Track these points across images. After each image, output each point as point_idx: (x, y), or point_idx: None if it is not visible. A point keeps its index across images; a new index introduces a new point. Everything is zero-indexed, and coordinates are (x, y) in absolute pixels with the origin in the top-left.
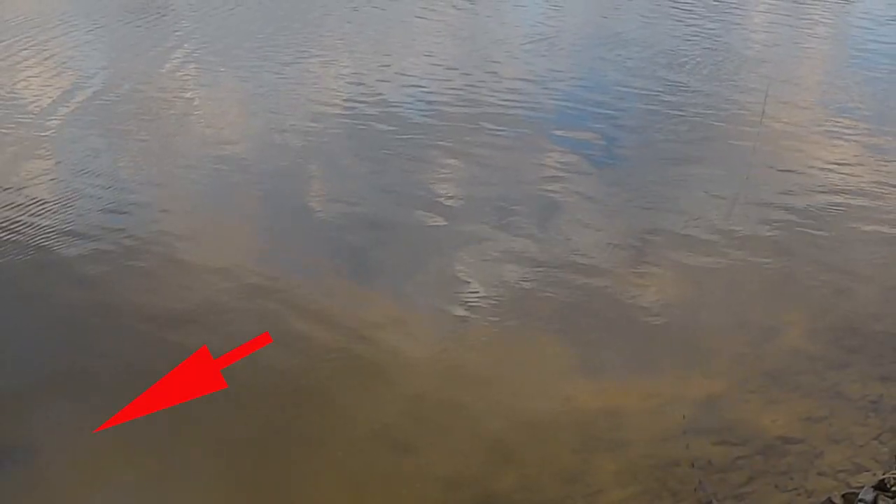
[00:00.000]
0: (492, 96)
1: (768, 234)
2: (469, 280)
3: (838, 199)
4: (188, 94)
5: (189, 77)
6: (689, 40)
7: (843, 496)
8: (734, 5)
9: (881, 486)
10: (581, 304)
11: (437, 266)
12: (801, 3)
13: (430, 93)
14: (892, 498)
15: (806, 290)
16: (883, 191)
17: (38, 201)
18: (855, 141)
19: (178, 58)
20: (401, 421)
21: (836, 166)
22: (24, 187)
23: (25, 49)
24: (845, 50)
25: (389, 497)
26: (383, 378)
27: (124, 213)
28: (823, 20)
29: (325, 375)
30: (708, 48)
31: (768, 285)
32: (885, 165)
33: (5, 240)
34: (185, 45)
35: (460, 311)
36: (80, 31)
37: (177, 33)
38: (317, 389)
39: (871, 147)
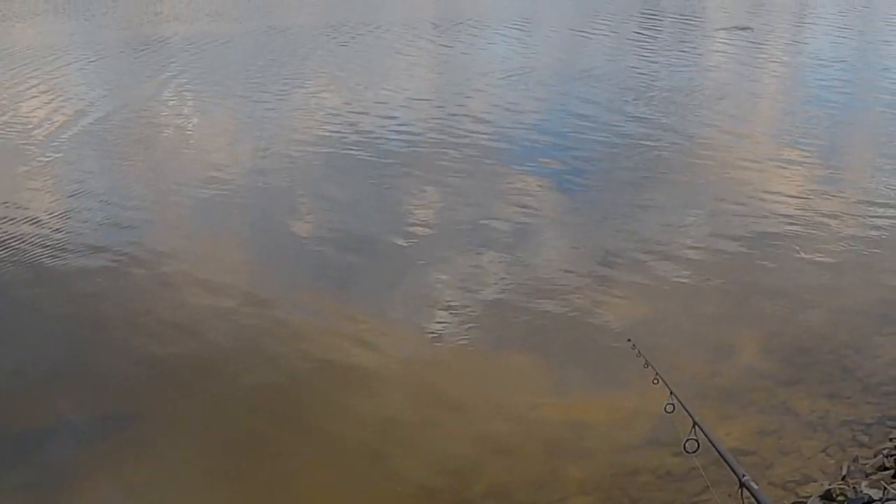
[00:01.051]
0: (465, 127)
1: (722, 259)
2: (442, 299)
3: (787, 227)
4: (182, 122)
5: (183, 106)
6: (651, 77)
7: None
8: (693, 45)
9: (827, 496)
10: (546, 323)
11: (412, 285)
12: (755, 44)
13: (408, 123)
14: None
15: (758, 312)
16: (827, 220)
17: (39, 218)
18: (803, 173)
19: (174, 88)
20: (378, 431)
21: (785, 197)
22: (27, 206)
23: (32, 77)
24: (795, 88)
25: (368, 501)
26: (362, 389)
27: (119, 231)
28: (775, 60)
29: (306, 387)
30: (668, 84)
31: (723, 307)
32: (830, 197)
33: (7, 252)
34: (181, 77)
35: (434, 328)
36: (83, 61)
37: (173, 65)
38: (297, 400)
39: (817, 179)
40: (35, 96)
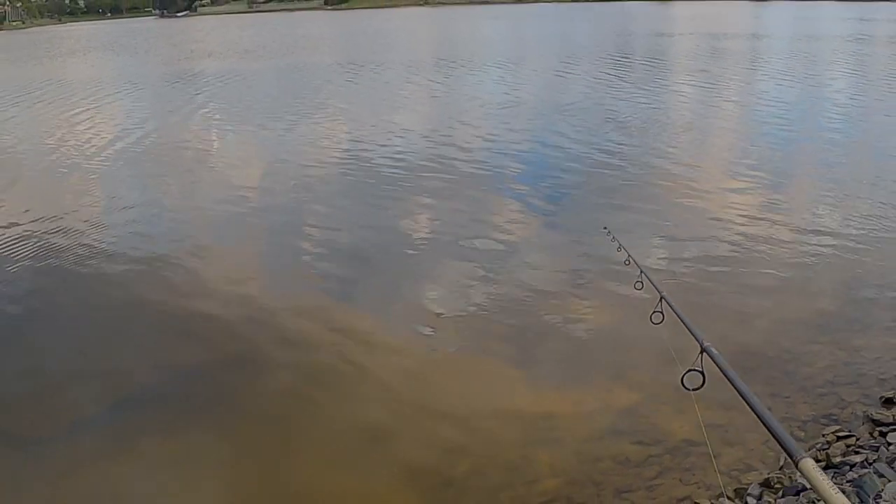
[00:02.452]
0: (454, 155)
1: (681, 271)
2: (434, 303)
3: (737, 247)
4: (208, 145)
5: (210, 131)
6: (620, 112)
7: (734, 491)
8: (657, 85)
9: (767, 484)
10: (526, 326)
11: (409, 291)
12: (711, 85)
13: (404, 150)
14: (775, 494)
15: (712, 319)
16: (771, 242)
17: (86, 225)
18: (751, 199)
19: (203, 115)
20: (374, 417)
21: (735, 221)
22: (75, 213)
23: (83, 104)
24: (746, 124)
25: (365, 479)
26: (362, 380)
27: (153, 236)
28: (729, 99)
29: (314, 376)
30: (635, 119)
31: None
32: (774, 221)
33: (60, 253)
34: (209, 106)
35: (426, 330)
36: (127, 92)
37: (203, 96)
38: (306, 388)
39: (763, 205)
40: (85, 121)
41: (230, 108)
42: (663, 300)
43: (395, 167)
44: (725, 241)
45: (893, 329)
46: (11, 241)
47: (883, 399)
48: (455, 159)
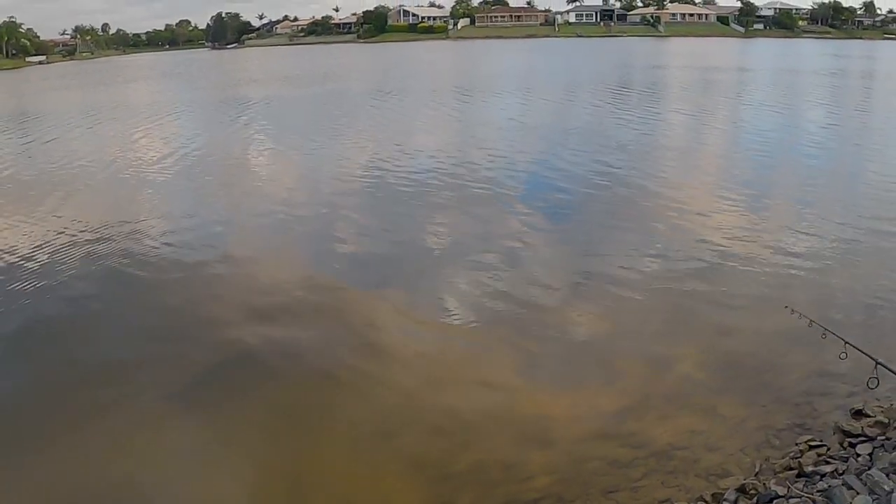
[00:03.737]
0: (475, 169)
1: (670, 288)
2: (450, 303)
3: (722, 260)
4: (254, 159)
5: (253, 148)
6: (621, 136)
7: (712, 495)
8: (657, 111)
9: (742, 490)
10: (529, 327)
11: (428, 290)
12: (703, 113)
13: (426, 167)
14: (751, 500)
15: (696, 330)
16: (753, 257)
17: (142, 228)
18: (736, 217)
19: (247, 135)
20: (385, 412)
21: (721, 236)
22: (137, 220)
23: (143, 124)
24: (733, 148)
25: (374, 468)
26: (380, 369)
27: (202, 239)
28: (718, 126)
29: (337, 364)
30: (634, 142)
31: (670, 325)
32: (756, 238)
33: (120, 252)
34: (255, 126)
35: (441, 330)
36: (183, 113)
37: (248, 118)
38: (330, 374)
39: (747, 222)
40: (145, 140)
41: (273, 129)
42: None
43: (415, 182)
44: (710, 254)
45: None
46: (78, 243)
47: (853, 410)
48: (470, 177)
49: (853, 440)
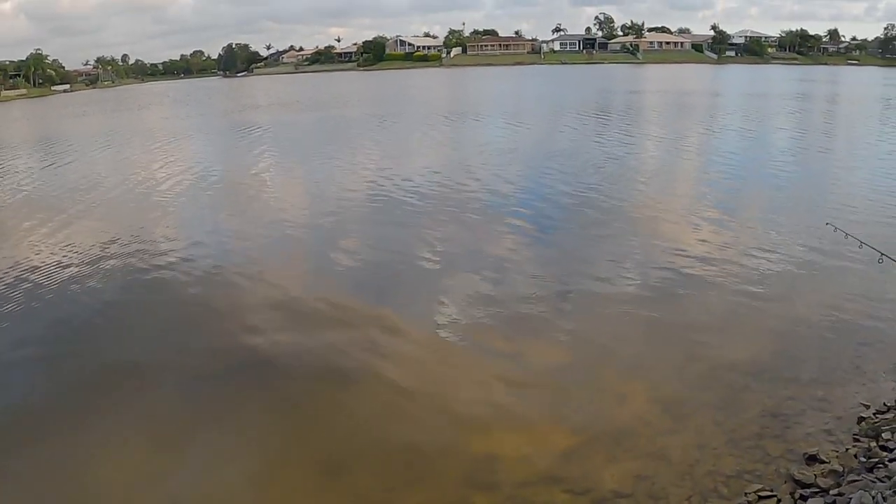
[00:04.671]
0: (465, 188)
1: (633, 310)
2: (443, 310)
3: (686, 287)
4: (262, 179)
5: (260, 168)
6: (601, 157)
7: None
8: (632, 135)
9: None
10: (495, 357)
11: (424, 298)
12: (677, 136)
13: (421, 185)
14: None
15: (655, 360)
16: (714, 283)
17: (161, 243)
18: (712, 227)
19: (254, 155)
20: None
21: (690, 256)
22: (153, 234)
23: (161, 149)
24: (705, 168)
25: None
26: (375, 372)
27: (217, 252)
28: (690, 148)
29: (337, 365)
30: (613, 163)
31: (630, 356)
32: (724, 262)
33: (137, 262)
34: (262, 148)
35: (435, 340)
36: (197, 139)
37: (254, 140)
38: (330, 374)
39: (723, 232)
40: (159, 161)
41: (276, 151)
42: None
43: (411, 199)
44: (673, 281)
45: (818, 381)
46: (100, 255)
47: (807, 455)
48: (463, 193)
49: (805, 491)
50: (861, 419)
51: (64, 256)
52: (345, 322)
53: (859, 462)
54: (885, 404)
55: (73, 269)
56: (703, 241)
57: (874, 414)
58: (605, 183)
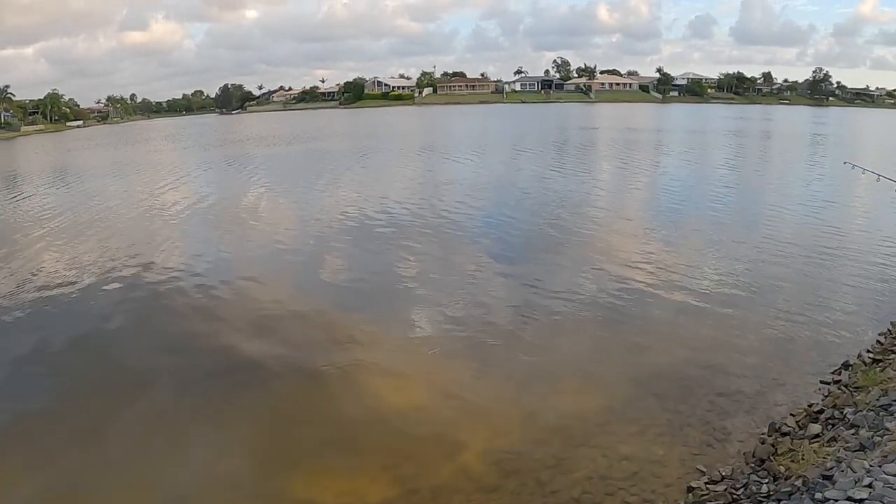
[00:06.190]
0: (436, 218)
1: (584, 331)
2: (418, 325)
3: (643, 294)
4: (257, 206)
5: (259, 197)
6: (559, 188)
7: None
8: (585, 169)
9: None
10: (482, 344)
11: (400, 314)
12: (628, 167)
13: (397, 212)
14: None
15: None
16: (669, 292)
17: (165, 260)
18: (656, 254)
19: (253, 186)
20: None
21: (649, 266)
22: (157, 254)
23: (164, 179)
24: (654, 197)
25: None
26: (354, 380)
27: (215, 269)
28: (640, 178)
29: (322, 374)
30: (570, 194)
31: (573, 386)
32: (671, 268)
33: (143, 280)
34: (257, 179)
35: (408, 349)
36: (198, 170)
37: (246, 170)
38: (315, 382)
39: (667, 252)
40: (164, 189)
41: (268, 181)
42: None
43: (387, 224)
44: (623, 300)
45: (664, 434)
46: (107, 275)
47: None
48: (434, 221)
49: None
50: (691, 489)
51: (73, 273)
52: (325, 331)
53: None
54: (720, 472)
55: (84, 284)
56: (649, 264)
57: (706, 484)
58: (560, 213)
